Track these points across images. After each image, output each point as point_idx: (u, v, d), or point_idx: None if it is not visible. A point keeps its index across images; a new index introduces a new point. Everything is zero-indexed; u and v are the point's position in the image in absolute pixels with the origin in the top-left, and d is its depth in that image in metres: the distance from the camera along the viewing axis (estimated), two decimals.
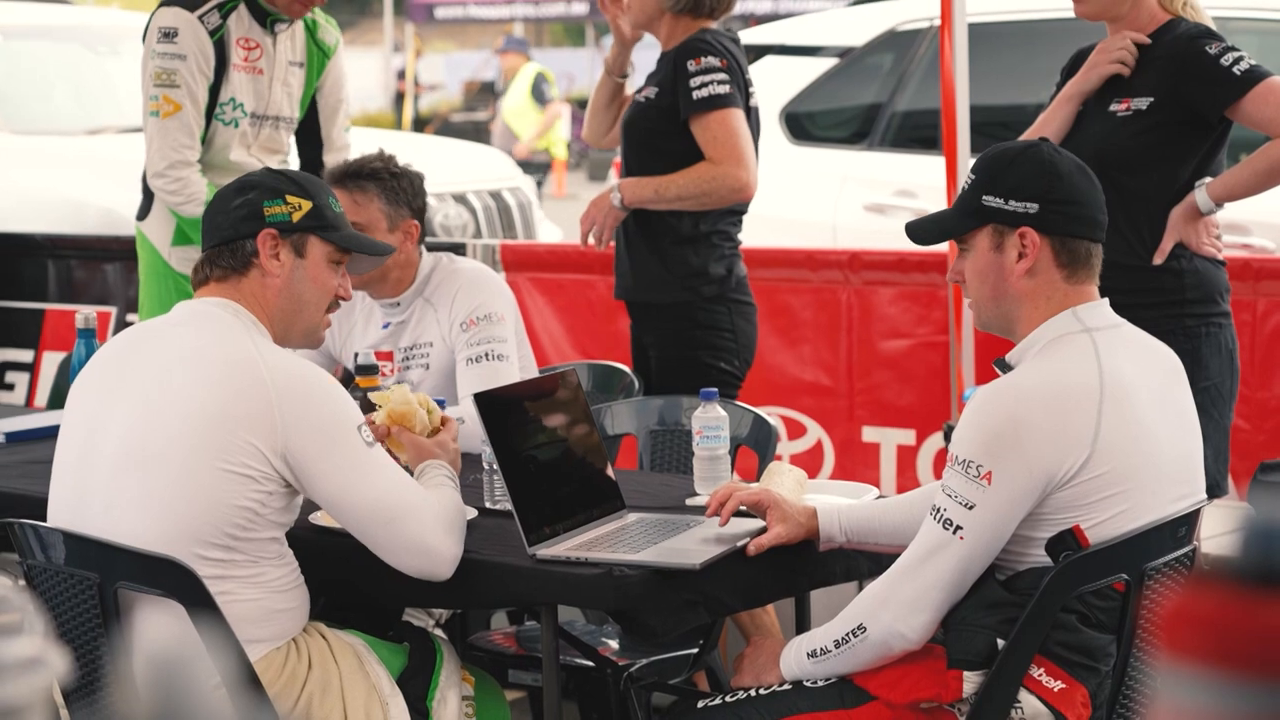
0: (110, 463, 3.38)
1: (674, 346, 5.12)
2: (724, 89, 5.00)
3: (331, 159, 5.52)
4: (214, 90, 5.24)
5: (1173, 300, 4.46)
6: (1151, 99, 4.45)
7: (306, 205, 3.55)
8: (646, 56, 5.35)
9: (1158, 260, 4.46)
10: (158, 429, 3.35)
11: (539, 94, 19.53)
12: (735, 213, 5.17)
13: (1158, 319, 4.21)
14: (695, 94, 4.99)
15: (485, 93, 26.03)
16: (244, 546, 3.35)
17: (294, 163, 5.60)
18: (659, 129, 5.08)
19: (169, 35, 5.18)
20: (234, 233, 3.53)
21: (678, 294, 5.09)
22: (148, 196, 5.40)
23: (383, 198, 4.54)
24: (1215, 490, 4.31)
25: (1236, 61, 4.40)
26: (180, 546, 3.31)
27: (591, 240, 5.14)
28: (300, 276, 3.54)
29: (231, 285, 3.52)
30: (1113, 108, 4.49)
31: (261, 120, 5.33)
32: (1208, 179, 4.49)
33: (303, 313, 3.56)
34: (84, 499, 3.42)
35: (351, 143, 5.65)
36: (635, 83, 5.44)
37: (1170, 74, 4.44)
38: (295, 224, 3.54)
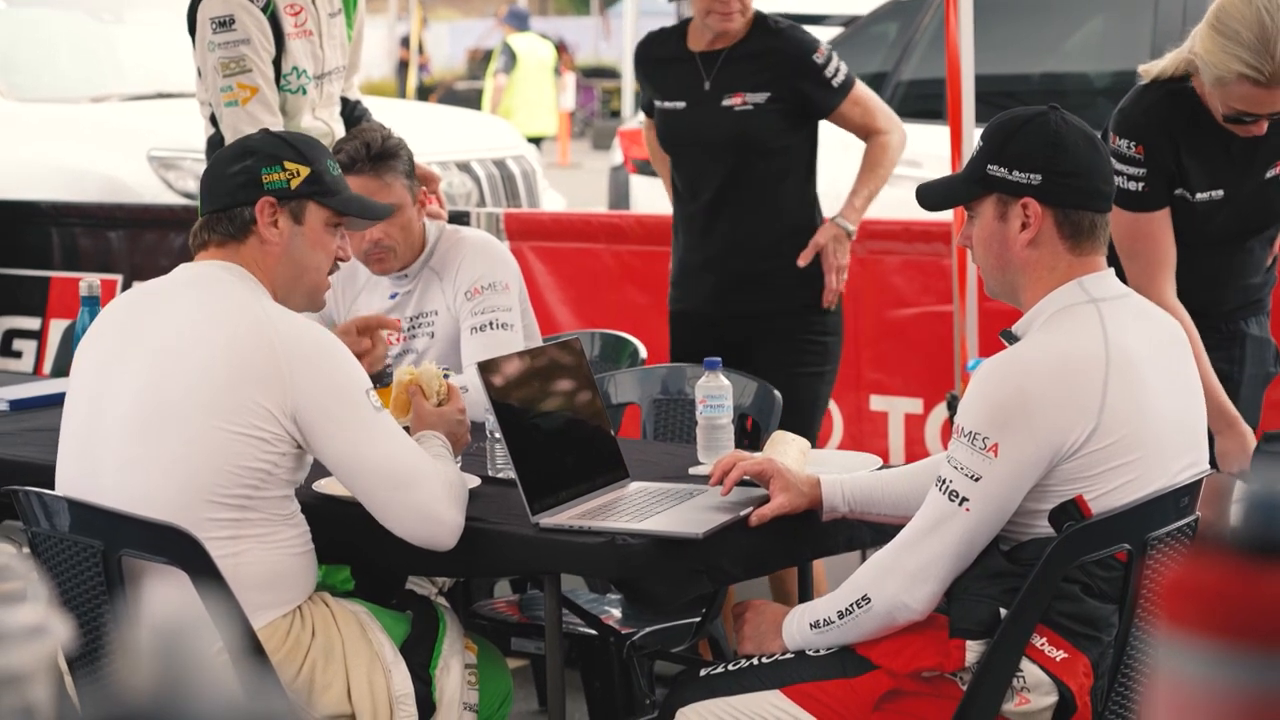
0: (121, 426, 3.39)
1: (804, 335, 5.07)
2: (844, 64, 5.08)
3: (349, 90, 5.50)
4: (275, 64, 5.19)
5: None
6: None
7: (304, 171, 3.54)
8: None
9: None
10: (168, 392, 3.36)
11: (499, 66, 19.96)
12: None
13: None
14: (834, 81, 5.01)
15: (489, 61, 26.00)
16: (258, 505, 3.36)
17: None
18: (781, 128, 5.02)
19: (225, 24, 5.10)
20: (231, 200, 3.52)
21: (817, 282, 5.05)
22: None
23: (404, 174, 4.53)
24: None
25: None
26: (194, 507, 3.32)
27: (837, 286, 5.03)
28: (299, 244, 3.54)
29: (231, 250, 3.51)
30: (1271, 174, 4.17)
31: (321, 80, 5.28)
32: None
33: (303, 277, 3.55)
34: (94, 463, 3.43)
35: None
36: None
37: None
38: (293, 190, 3.53)
